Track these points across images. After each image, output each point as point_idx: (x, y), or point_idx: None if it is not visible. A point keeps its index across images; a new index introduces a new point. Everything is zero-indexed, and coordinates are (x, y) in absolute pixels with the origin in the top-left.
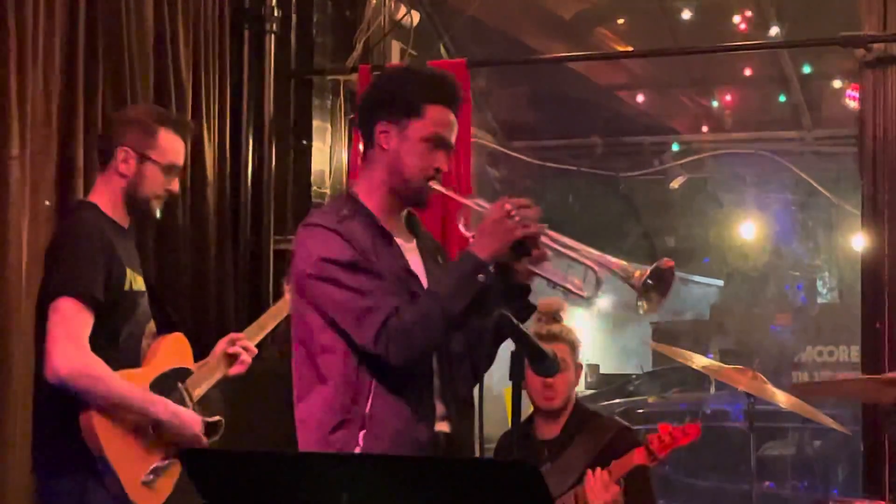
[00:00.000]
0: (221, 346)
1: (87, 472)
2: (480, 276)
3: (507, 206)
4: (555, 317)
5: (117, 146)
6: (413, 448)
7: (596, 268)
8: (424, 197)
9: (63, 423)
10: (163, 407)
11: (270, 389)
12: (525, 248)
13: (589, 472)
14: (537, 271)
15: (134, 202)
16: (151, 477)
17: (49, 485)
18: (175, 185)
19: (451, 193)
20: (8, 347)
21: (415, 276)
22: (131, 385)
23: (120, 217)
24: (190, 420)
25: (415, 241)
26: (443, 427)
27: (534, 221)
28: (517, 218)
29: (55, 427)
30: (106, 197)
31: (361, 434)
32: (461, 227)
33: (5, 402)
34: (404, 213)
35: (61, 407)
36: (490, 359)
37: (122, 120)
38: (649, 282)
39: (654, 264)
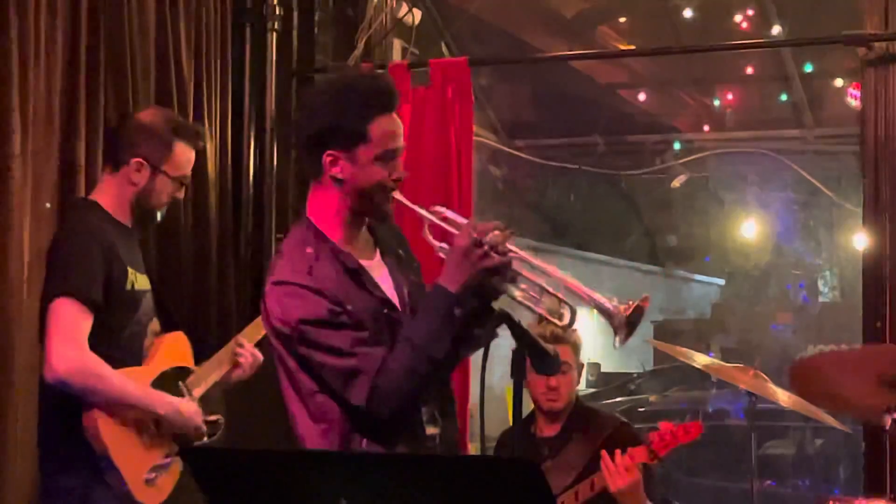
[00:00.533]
0: (229, 347)
1: (91, 471)
2: (457, 311)
3: (475, 234)
4: (557, 317)
5: (132, 156)
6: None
7: (565, 299)
8: (388, 212)
9: (67, 422)
10: (163, 401)
11: (269, 389)
12: (498, 272)
13: (606, 456)
14: (511, 293)
15: (141, 210)
16: (153, 475)
17: (53, 483)
18: (181, 194)
19: (414, 207)
20: (10, 346)
21: (390, 303)
22: (131, 381)
23: (123, 217)
24: (190, 413)
25: (377, 254)
26: (432, 430)
27: (502, 249)
28: (486, 247)
29: (59, 426)
30: (111, 197)
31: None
32: (428, 238)
33: (8, 400)
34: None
35: (65, 407)
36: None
37: (138, 127)
38: (628, 322)
39: (635, 303)
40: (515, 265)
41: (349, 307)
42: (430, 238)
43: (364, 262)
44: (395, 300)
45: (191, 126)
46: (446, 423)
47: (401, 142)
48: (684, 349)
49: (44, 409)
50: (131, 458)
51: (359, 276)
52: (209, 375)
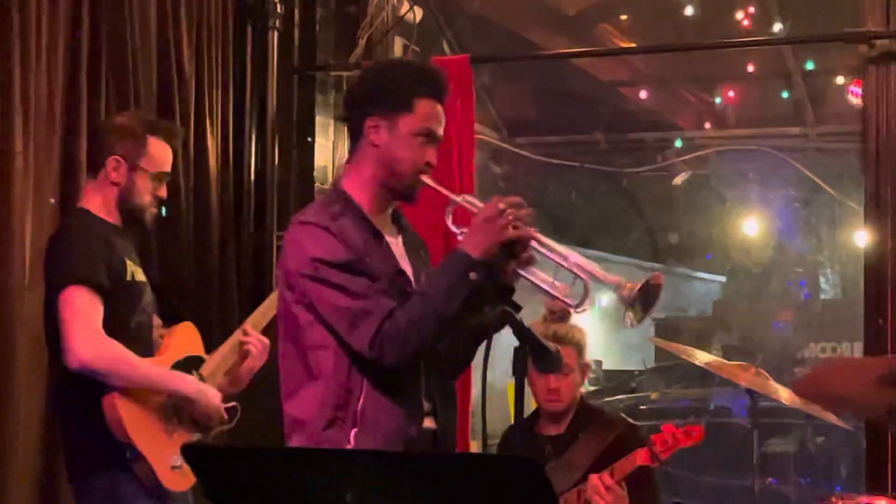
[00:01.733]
0: (236, 336)
1: (118, 468)
2: (472, 275)
3: (501, 205)
4: (561, 317)
5: (108, 155)
6: (404, 446)
7: (585, 277)
8: (415, 192)
9: (88, 421)
10: (190, 384)
11: (269, 386)
12: (514, 250)
13: (592, 476)
14: (524, 275)
15: (126, 209)
16: (179, 462)
17: (82, 484)
18: (163, 191)
19: (442, 189)
20: (12, 341)
21: (405, 276)
22: (154, 364)
23: (113, 219)
24: (213, 395)
25: (400, 236)
26: (429, 424)
27: (526, 223)
28: (510, 217)
29: (81, 426)
30: (98, 202)
31: (353, 433)
32: (449, 223)
33: (10, 393)
34: (391, 208)
35: (84, 404)
36: (469, 357)
37: (111, 128)
38: (639, 301)
39: (645, 279)
40: (533, 243)
41: (367, 259)
42: (452, 225)
43: (388, 239)
44: (411, 276)
45: (165, 123)
46: (445, 419)
47: (441, 131)
48: (686, 347)
49: (62, 409)
50: (155, 444)
51: (380, 240)
52: (218, 366)
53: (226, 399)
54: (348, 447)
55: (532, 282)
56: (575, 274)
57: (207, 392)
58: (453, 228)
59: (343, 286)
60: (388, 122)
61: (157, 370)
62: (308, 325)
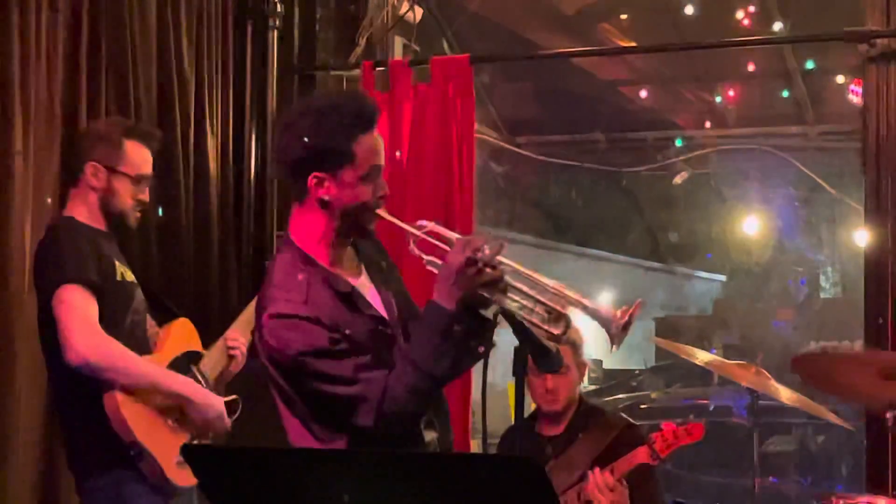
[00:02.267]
0: (222, 342)
1: (121, 467)
2: (456, 328)
3: (467, 254)
4: (555, 318)
5: (86, 161)
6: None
7: (562, 310)
8: (373, 229)
9: (90, 417)
10: (190, 386)
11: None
12: (489, 290)
13: (591, 472)
14: (504, 303)
15: (109, 213)
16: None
17: (86, 485)
18: (145, 195)
19: (400, 224)
20: (11, 342)
21: (382, 320)
22: (154, 365)
23: (98, 224)
24: (215, 400)
25: (363, 270)
26: (431, 435)
27: (494, 264)
28: (480, 264)
29: (83, 423)
30: (82, 209)
31: None
32: (414, 251)
33: (10, 396)
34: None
35: (84, 401)
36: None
37: (88, 135)
38: (624, 327)
39: (630, 310)
40: (508, 277)
41: (347, 332)
42: (417, 251)
43: (352, 282)
44: (386, 315)
45: (142, 127)
46: (442, 428)
47: (383, 158)
48: (685, 346)
49: (63, 410)
50: (160, 440)
51: (351, 299)
52: (217, 361)
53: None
54: None
55: (512, 312)
56: (550, 306)
57: (209, 396)
58: (422, 256)
59: (333, 375)
60: (333, 176)
61: (156, 369)
62: (300, 399)
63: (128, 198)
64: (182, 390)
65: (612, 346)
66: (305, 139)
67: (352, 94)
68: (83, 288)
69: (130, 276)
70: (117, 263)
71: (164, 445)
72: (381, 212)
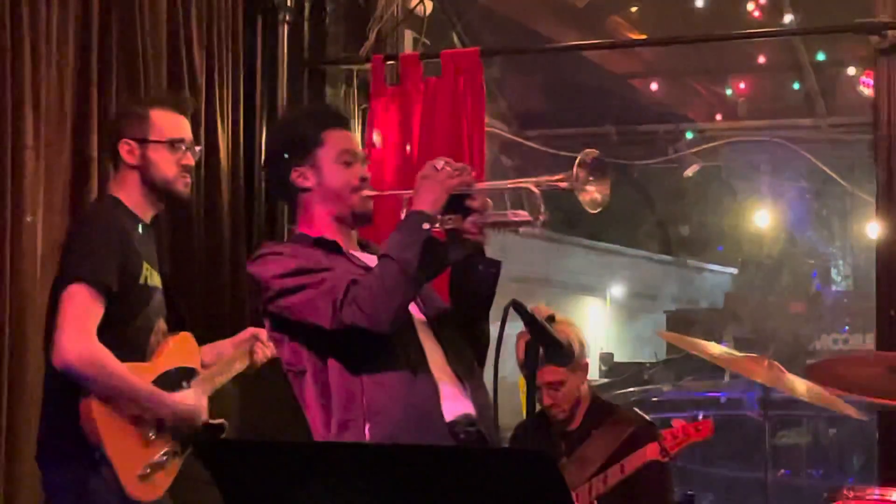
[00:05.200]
0: (242, 338)
1: (89, 464)
2: (425, 225)
3: (438, 163)
4: (550, 318)
5: (118, 142)
6: (429, 430)
7: (534, 189)
8: (367, 212)
9: (65, 415)
10: (162, 402)
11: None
12: (465, 203)
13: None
14: (484, 220)
15: (155, 190)
16: (149, 471)
17: (51, 477)
18: (189, 159)
19: (387, 192)
20: (23, 338)
21: (369, 268)
22: (135, 377)
23: (142, 212)
24: (191, 414)
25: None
26: (464, 406)
27: (463, 172)
28: (448, 168)
29: (57, 420)
30: (126, 192)
31: (367, 428)
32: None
33: (21, 392)
34: (355, 237)
35: (63, 399)
36: (481, 328)
37: (115, 118)
38: (589, 177)
39: (578, 157)
40: (478, 185)
41: (325, 264)
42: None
43: (354, 254)
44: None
45: (165, 93)
46: (477, 398)
47: (360, 152)
48: (695, 339)
49: (45, 401)
50: (126, 451)
51: (339, 248)
52: (220, 376)
53: (217, 412)
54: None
55: (495, 222)
56: (528, 190)
57: (184, 413)
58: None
59: (302, 283)
60: (309, 164)
61: (135, 384)
62: (293, 352)
63: (169, 165)
64: (158, 411)
65: (585, 202)
66: (279, 135)
67: (319, 103)
68: (93, 290)
69: (155, 280)
70: (145, 266)
71: (129, 457)
72: (367, 191)
